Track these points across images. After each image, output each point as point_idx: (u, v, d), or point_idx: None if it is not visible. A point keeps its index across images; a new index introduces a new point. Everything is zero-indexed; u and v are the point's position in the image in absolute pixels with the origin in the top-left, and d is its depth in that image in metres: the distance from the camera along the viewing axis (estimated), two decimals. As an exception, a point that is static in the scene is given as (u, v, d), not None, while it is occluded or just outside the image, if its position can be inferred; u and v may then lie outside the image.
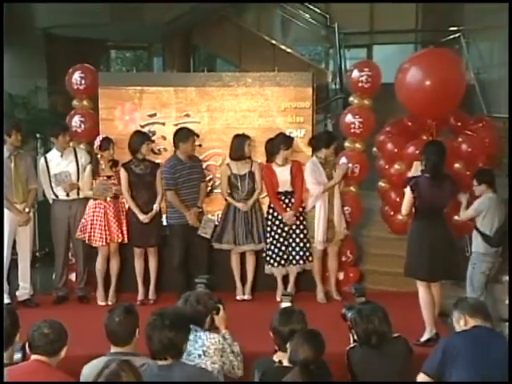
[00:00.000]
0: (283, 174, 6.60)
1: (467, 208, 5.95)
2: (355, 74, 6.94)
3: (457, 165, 6.53)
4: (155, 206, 6.52)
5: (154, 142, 6.85)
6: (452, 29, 9.90)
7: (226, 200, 6.70)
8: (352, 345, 3.97)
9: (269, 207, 6.70)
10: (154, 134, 6.95)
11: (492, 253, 5.89)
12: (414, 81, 6.45)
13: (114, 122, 6.98)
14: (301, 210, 6.65)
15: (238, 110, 6.98)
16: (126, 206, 6.61)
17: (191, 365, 3.60)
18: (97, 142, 6.52)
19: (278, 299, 5.93)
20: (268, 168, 6.66)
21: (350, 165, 6.84)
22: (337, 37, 10.30)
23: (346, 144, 7.04)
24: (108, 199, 6.47)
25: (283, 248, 6.64)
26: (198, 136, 6.73)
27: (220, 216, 6.76)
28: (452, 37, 9.72)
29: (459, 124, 6.94)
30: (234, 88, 6.97)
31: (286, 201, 6.64)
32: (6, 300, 6.29)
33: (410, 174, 5.77)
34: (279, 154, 6.58)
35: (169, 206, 6.66)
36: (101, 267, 6.59)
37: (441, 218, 5.47)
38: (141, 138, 6.59)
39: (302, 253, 6.62)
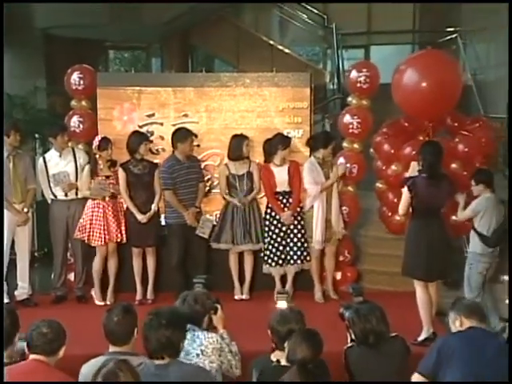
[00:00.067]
0: (281, 174, 6.62)
1: (465, 208, 5.95)
2: (354, 74, 6.96)
3: (453, 165, 6.54)
4: (153, 206, 6.53)
5: (152, 142, 6.86)
6: (449, 30, 9.92)
7: (224, 199, 6.72)
8: (350, 344, 3.99)
9: (267, 207, 6.72)
10: (152, 134, 6.97)
11: (489, 253, 5.89)
12: (411, 82, 6.44)
13: (113, 122, 6.99)
14: (298, 209, 6.67)
15: (236, 111, 7.00)
16: (125, 206, 6.62)
17: (188, 363, 3.60)
18: (95, 142, 6.53)
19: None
20: (266, 168, 6.68)
21: (348, 165, 6.86)
22: (334, 37, 10.31)
23: (344, 144, 7.06)
24: (107, 199, 6.48)
25: (281, 248, 6.66)
26: (196, 136, 6.74)
27: (218, 216, 6.77)
28: (449, 38, 9.74)
29: (456, 125, 6.94)
30: (232, 88, 6.99)
31: (284, 201, 6.66)
32: (5, 300, 6.30)
33: (407, 174, 5.79)
34: (277, 154, 6.60)
35: (167, 205, 6.67)
36: (98, 267, 6.59)
37: (438, 218, 5.49)
38: (139, 138, 6.60)
39: (299, 252, 6.64)
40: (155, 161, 6.77)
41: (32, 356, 3.45)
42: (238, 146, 6.62)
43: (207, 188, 6.89)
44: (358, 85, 6.89)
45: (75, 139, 6.97)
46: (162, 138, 7.00)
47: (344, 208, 6.81)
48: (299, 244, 6.64)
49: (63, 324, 3.58)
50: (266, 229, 6.67)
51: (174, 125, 6.92)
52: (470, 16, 10.02)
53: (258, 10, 12.49)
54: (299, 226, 6.65)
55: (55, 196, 6.64)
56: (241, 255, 6.77)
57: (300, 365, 3.27)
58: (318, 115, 8.91)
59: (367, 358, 3.86)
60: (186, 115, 7.00)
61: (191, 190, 6.63)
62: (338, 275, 6.93)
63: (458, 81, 6.73)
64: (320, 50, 13.20)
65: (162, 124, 7.02)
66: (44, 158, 6.70)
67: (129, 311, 3.62)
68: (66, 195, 6.61)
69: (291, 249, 6.65)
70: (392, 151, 6.85)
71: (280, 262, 6.67)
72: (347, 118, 6.97)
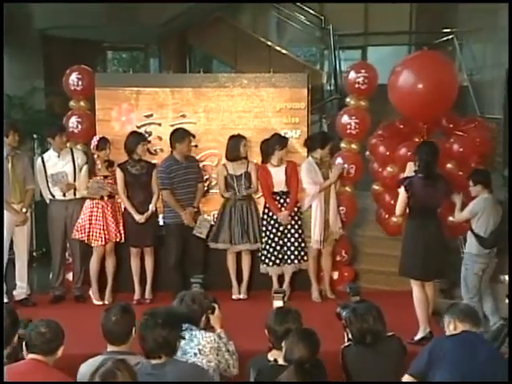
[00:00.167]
0: (278, 175, 6.65)
1: (462, 209, 5.95)
2: (352, 75, 6.96)
3: (449, 165, 6.55)
4: (151, 206, 6.55)
5: (149, 142, 6.89)
6: (445, 30, 9.93)
7: (222, 197, 6.73)
8: (346, 343, 3.99)
9: (264, 207, 6.74)
10: (150, 134, 6.99)
11: (484, 254, 5.89)
12: (407, 84, 6.43)
13: (111, 123, 7.02)
14: (296, 209, 6.69)
15: (234, 111, 7.02)
16: (123, 206, 6.64)
17: (184, 362, 3.62)
18: (93, 142, 6.55)
19: (273, 298, 5.97)
20: (263, 168, 6.70)
21: (346, 165, 6.88)
22: (331, 38, 10.32)
23: (342, 145, 7.07)
24: (105, 199, 6.50)
25: (278, 247, 6.68)
26: (194, 136, 6.77)
27: (216, 216, 6.80)
28: (445, 38, 9.75)
29: (451, 125, 6.94)
30: (230, 89, 7.01)
31: (281, 201, 6.68)
32: (4, 299, 6.31)
33: (403, 175, 5.81)
34: (274, 154, 6.63)
35: (165, 205, 6.69)
36: (95, 267, 6.61)
37: (435, 218, 5.51)
38: (136, 138, 6.62)
39: (297, 252, 6.66)
40: (153, 161, 6.79)
41: (30, 355, 3.45)
42: (235, 147, 6.64)
43: (205, 188, 6.91)
44: (357, 85, 6.90)
45: (73, 139, 6.99)
46: (160, 138, 7.03)
47: (341, 208, 6.83)
48: (296, 244, 6.66)
49: (61, 324, 3.58)
50: (264, 229, 6.69)
51: (172, 125, 6.94)
52: (466, 16, 10.03)
53: (255, 11, 12.48)
54: (296, 226, 6.68)
55: (53, 196, 6.66)
56: (238, 255, 6.79)
57: (297, 364, 3.28)
58: (315, 116, 8.91)
59: (364, 358, 3.87)
60: (183, 116, 7.03)
61: (189, 190, 6.64)
62: (335, 275, 6.95)
63: (454, 82, 6.73)
64: (317, 51, 13.18)
65: (160, 124, 7.05)
66: (42, 158, 6.72)
67: (127, 311, 3.63)
68: (64, 195, 6.62)
69: (288, 248, 6.67)
70: (387, 153, 6.84)
71: (277, 261, 6.69)
72: (345, 119, 6.98)
